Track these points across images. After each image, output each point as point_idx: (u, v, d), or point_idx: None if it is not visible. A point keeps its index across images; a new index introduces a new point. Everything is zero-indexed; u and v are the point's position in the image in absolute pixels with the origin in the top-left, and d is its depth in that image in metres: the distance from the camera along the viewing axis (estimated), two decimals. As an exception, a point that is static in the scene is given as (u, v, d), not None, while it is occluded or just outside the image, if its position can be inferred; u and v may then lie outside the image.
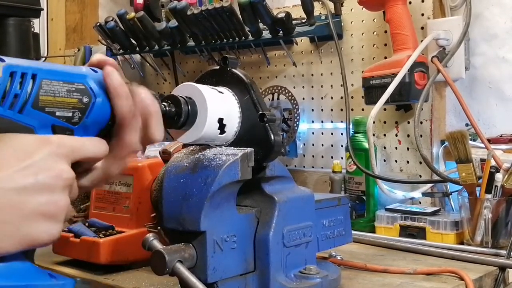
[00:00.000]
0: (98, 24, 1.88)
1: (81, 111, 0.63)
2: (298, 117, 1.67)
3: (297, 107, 1.67)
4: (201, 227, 0.77)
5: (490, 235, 1.18)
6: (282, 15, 1.51)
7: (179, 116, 0.77)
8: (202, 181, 0.77)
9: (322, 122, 1.67)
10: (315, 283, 0.87)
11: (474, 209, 1.20)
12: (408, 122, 1.48)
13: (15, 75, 0.58)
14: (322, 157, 1.67)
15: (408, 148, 1.48)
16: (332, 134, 1.65)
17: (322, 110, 1.66)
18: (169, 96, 0.78)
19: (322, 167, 1.65)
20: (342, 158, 1.56)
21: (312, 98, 1.68)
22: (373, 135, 1.45)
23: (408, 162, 1.48)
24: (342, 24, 1.60)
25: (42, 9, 1.95)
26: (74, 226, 1.13)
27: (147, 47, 1.87)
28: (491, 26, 1.44)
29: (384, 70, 1.40)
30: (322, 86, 1.66)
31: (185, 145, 0.87)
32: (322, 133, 1.67)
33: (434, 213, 1.29)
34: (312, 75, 1.68)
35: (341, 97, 1.59)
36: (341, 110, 1.61)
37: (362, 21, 1.57)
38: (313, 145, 1.69)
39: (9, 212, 0.56)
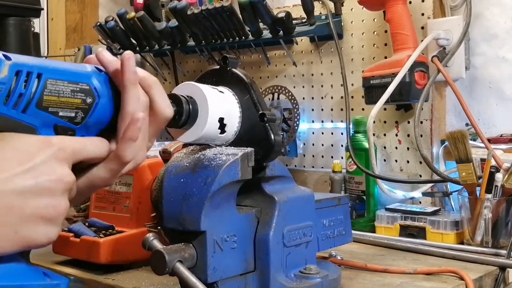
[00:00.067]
0: (98, 23, 1.88)
1: (84, 111, 0.63)
2: (298, 117, 1.67)
3: (297, 106, 1.67)
4: (201, 227, 0.77)
5: (490, 235, 1.18)
6: (282, 14, 1.51)
7: (180, 115, 0.77)
8: (202, 181, 0.77)
9: (322, 122, 1.67)
10: (315, 283, 0.87)
11: (474, 209, 1.20)
12: (408, 122, 1.48)
13: (20, 74, 0.58)
14: (322, 157, 1.67)
15: (408, 148, 1.48)
16: (332, 133, 1.65)
17: (322, 109, 1.66)
18: (170, 95, 0.78)
19: (322, 167, 1.66)
20: (342, 158, 1.56)
21: (312, 98, 1.68)
22: (373, 135, 1.45)
23: (408, 162, 1.48)
24: (342, 23, 1.60)
25: (42, 9, 1.95)
26: (74, 226, 1.13)
27: (147, 47, 1.87)
28: (491, 26, 1.44)
29: (384, 70, 1.40)
30: (322, 85, 1.66)
31: (185, 145, 0.87)
32: (322, 133, 1.67)
33: (434, 213, 1.29)
34: (312, 74, 1.68)
35: (341, 97, 1.59)
36: (341, 109, 1.61)
37: (362, 20, 1.57)
38: (313, 145, 1.69)
39: (8, 214, 0.56)
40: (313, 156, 1.69)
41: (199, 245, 0.78)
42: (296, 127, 1.67)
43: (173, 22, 1.71)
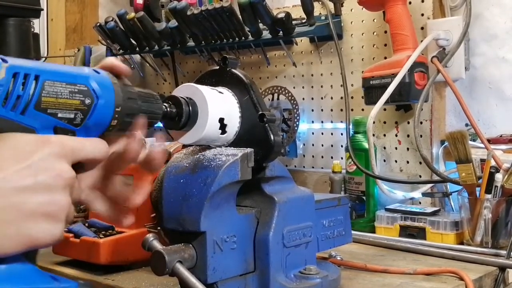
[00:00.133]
0: (98, 24, 1.88)
1: (83, 112, 0.63)
2: (298, 117, 1.67)
3: (297, 107, 1.67)
4: (201, 227, 0.77)
5: (490, 235, 1.18)
6: (282, 15, 1.51)
7: (180, 117, 0.77)
8: (202, 181, 0.77)
9: (322, 122, 1.67)
10: (315, 283, 0.87)
11: (474, 209, 1.20)
12: (408, 122, 1.48)
13: (18, 76, 0.58)
14: (322, 157, 1.67)
15: (408, 148, 1.48)
16: (332, 134, 1.65)
17: (322, 110, 1.66)
18: (170, 97, 0.78)
19: (322, 167, 1.66)
20: (342, 158, 1.56)
21: (312, 98, 1.68)
22: (373, 135, 1.45)
23: (408, 162, 1.48)
24: (342, 24, 1.60)
25: (42, 9, 1.95)
26: (74, 226, 1.13)
27: (147, 47, 1.87)
28: (491, 26, 1.44)
29: (384, 70, 1.40)
30: (322, 86, 1.66)
31: (184, 146, 0.87)
32: (322, 133, 1.67)
33: (434, 213, 1.29)
34: (312, 75, 1.68)
35: (341, 97, 1.59)
36: (341, 110, 1.61)
37: (362, 21, 1.57)
38: (313, 145, 1.69)
39: (8, 212, 0.56)
40: (313, 156, 1.69)
41: (199, 245, 0.78)
42: (296, 128, 1.67)
43: (173, 23, 1.71)
